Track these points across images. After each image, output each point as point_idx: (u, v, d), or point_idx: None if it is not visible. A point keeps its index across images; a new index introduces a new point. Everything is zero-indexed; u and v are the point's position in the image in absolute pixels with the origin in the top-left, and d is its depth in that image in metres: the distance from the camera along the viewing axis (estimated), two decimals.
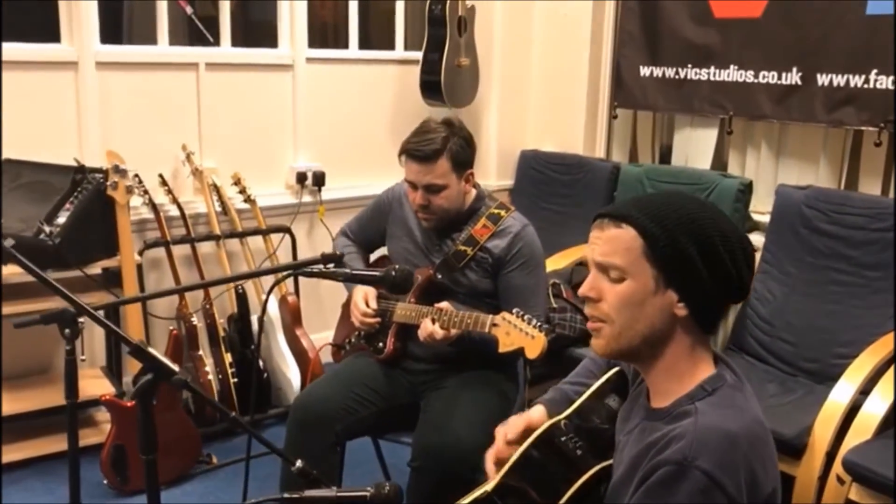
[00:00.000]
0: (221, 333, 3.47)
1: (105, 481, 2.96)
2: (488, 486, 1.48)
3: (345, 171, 4.06)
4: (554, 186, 4.09)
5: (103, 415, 3.23)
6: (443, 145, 2.26)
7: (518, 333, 2.07)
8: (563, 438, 1.45)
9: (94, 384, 3.27)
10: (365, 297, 2.45)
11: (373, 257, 2.73)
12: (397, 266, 1.75)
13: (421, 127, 2.34)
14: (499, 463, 1.56)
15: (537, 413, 1.62)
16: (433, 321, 2.25)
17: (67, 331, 1.81)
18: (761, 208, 3.58)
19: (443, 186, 2.30)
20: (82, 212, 2.88)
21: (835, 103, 3.18)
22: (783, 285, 3.19)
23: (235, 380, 3.42)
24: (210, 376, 3.36)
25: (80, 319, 1.79)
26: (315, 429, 2.29)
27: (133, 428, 2.93)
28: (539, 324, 2.07)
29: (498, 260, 2.37)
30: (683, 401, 1.29)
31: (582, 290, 1.35)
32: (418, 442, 2.26)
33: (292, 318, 3.60)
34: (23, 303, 2.91)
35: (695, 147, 3.83)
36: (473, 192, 2.44)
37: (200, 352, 3.41)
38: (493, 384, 2.35)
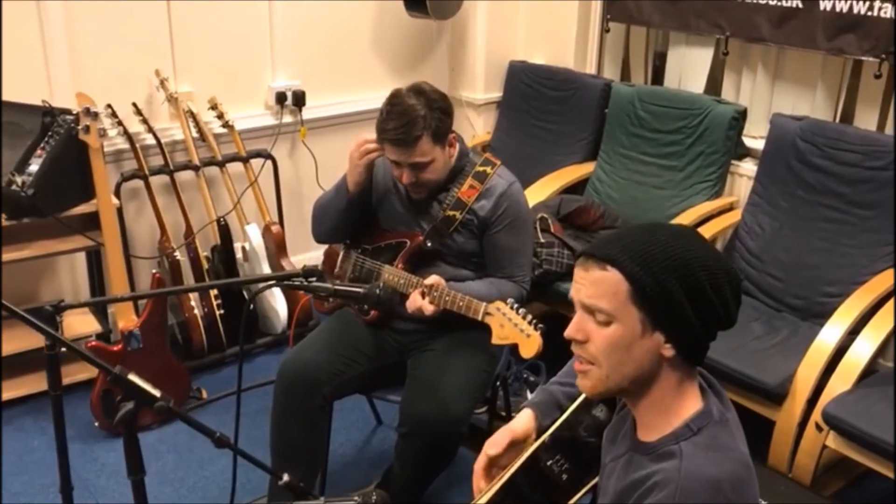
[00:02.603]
0: (205, 266, 3.44)
1: (96, 423, 2.99)
2: None
3: (326, 89, 3.91)
4: (543, 102, 3.97)
5: None
6: (422, 128, 2.17)
7: (512, 328, 2.05)
8: (549, 462, 1.46)
9: (80, 321, 3.26)
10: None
11: None
12: (381, 284, 1.70)
13: (393, 106, 2.20)
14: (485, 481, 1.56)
15: (524, 420, 1.61)
16: (423, 295, 2.22)
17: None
18: (755, 133, 3.49)
19: (429, 162, 2.22)
20: (54, 159, 2.78)
21: (836, 30, 3.04)
22: (773, 219, 3.16)
23: (221, 311, 3.41)
24: (196, 310, 3.35)
25: (59, 318, 1.76)
26: (302, 393, 2.29)
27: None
28: (534, 321, 2.05)
29: (483, 221, 2.32)
30: (669, 440, 1.29)
31: (568, 332, 1.32)
32: (406, 408, 2.28)
33: (277, 247, 3.56)
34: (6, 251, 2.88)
35: (689, 67, 3.70)
36: (457, 149, 2.35)
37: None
38: (480, 345, 2.34)
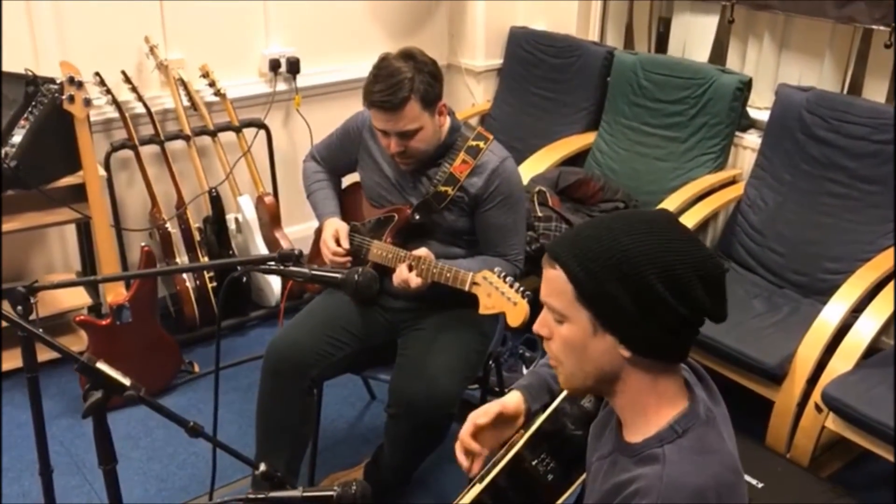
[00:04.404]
0: (197, 238, 3.38)
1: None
2: None
3: (322, 56, 3.82)
4: (544, 69, 3.87)
5: None
6: (409, 89, 2.08)
7: (499, 297, 1.99)
8: (534, 462, 1.41)
9: (71, 294, 3.21)
10: (335, 235, 2.35)
11: (345, 181, 2.60)
12: (360, 269, 1.64)
13: (380, 69, 2.12)
14: (468, 453, 1.51)
15: (513, 400, 1.57)
16: (410, 268, 2.16)
17: (20, 308, 1.73)
18: (759, 104, 3.40)
19: (417, 129, 2.14)
20: (38, 129, 2.71)
21: None
22: (777, 193, 3.08)
23: (213, 284, 3.36)
24: (188, 283, 3.30)
25: (33, 299, 1.71)
26: (290, 375, 2.24)
27: (110, 345, 2.92)
28: (521, 289, 1.99)
29: (475, 198, 2.25)
30: (653, 442, 1.23)
31: (535, 327, 1.30)
32: (395, 389, 2.23)
33: (271, 218, 3.49)
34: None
35: (693, 35, 3.59)
36: (448, 121, 2.27)
37: (177, 259, 3.33)
38: (471, 323, 2.29)
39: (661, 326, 1.19)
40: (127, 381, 1.40)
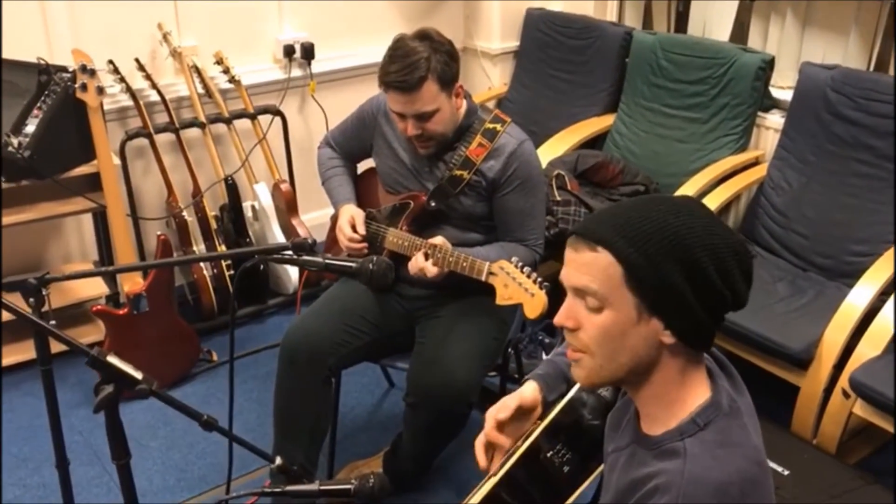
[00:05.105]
0: (214, 226, 3.36)
1: None
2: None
3: (336, 41, 3.78)
4: (561, 51, 3.81)
5: None
6: (426, 69, 2.03)
7: (517, 287, 1.95)
8: (549, 454, 1.37)
9: (89, 284, 3.20)
10: (351, 221, 2.31)
11: (360, 167, 2.57)
12: (375, 258, 1.60)
13: (396, 49, 2.07)
14: (488, 450, 1.47)
15: (530, 391, 1.53)
16: (426, 256, 2.12)
17: (32, 300, 1.71)
18: (782, 83, 3.33)
19: (434, 111, 2.09)
20: (52, 119, 2.69)
21: None
22: (801, 174, 3.01)
23: (231, 272, 3.34)
24: (205, 272, 3.28)
25: (45, 291, 1.69)
26: (306, 364, 2.21)
27: (127, 335, 2.91)
28: (539, 279, 1.95)
29: (492, 182, 2.21)
30: (673, 435, 1.18)
31: (557, 319, 1.21)
32: (413, 379, 2.20)
33: (287, 206, 3.47)
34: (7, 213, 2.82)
35: (714, 14, 3.51)
36: (464, 104, 2.23)
37: (194, 248, 3.32)
38: (489, 311, 2.24)
39: (708, 310, 1.15)
40: (139, 375, 1.37)
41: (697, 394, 1.20)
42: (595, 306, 1.16)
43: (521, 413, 1.50)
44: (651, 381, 1.20)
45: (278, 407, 2.29)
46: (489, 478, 1.40)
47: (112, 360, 1.36)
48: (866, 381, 2.35)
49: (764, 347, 2.58)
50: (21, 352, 3.05)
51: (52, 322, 1.68)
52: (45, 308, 1.70)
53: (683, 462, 1.14)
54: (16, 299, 3.00)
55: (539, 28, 3.91)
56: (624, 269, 1.13)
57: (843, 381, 2.44)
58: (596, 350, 1.18)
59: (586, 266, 1.16)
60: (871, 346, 2.45)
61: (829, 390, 2.51)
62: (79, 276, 1.80)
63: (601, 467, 1.38)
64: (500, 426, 1.47)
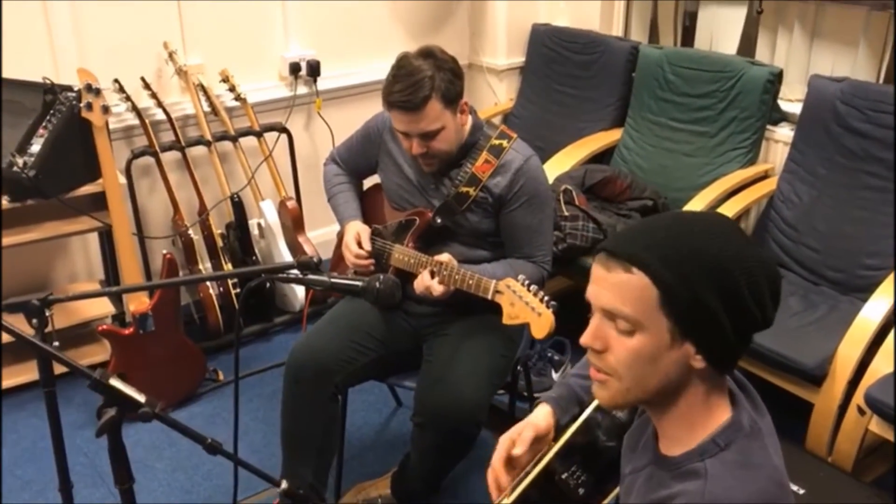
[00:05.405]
0: (220, 244, 3.34)
1: None
2: None
3: (342, 58, 3.77)
4: (567, 66, 3.80)
5: None
6: (430, 88, 2.02)
7: (523, 307, 1.92)
8: (564, 475, 1.34)
9: (94, 304, 3.19)
10: (357, 238, 2.29)
11: (366, 183, 2.55)
12: (381, 276, 1.58)
13: (400, 68, 2.06)
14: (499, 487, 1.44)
15: (543, 417, 1.49)
16: (432, 274, 2.10)
17: (35, 321, 1.70)
18: (791, 96, 3.30)
19: (439, 130, 2.08)
20: (57, 138, 2.68)
21: None
22: (811, 188, 2.98)
23: (237, 291, 3.32)
24: (211, 290, 3.26)
25: (48, 311, 1.67)
26: (312, 383, 2.19)
27: (133, 355, 2.89)
28: (546, 298, 1.92)
29: (499, 199, 2.18)
30: (694, 455, 1.16)
31: (584, 340, 1.17)
32: (420, 398, 2.17)
33: (294, 223, 3.45)
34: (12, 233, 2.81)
35: (721, 28, 3.50)
36: (469, 120, 2.21)
37: (200, 266, 3.30)
38: (497, 329, 2.20)
39: (738, 332, 1.12)
40: (142, 398, 1.35)
41: (718, 415, 1.18)
42: (626, 329, 1.12)
43: (536, 440, 1.47)
44: (677, 404, 1.17)
45: (285, 426, 2.26)
46: (501, 499, 1.37)
47: (115, 382, 1.33)
48: (882, 398, 2.31)
49: (777, 363, 2.54)
50: (25, 373, 3.03)
51: (56, 343, 1.66)
52: (49, 329, 1.68)
53: (704, 483, 1.11)
54: (19, 320, 2.99)
55: (545, 43, 3.90)
56: (660, 292, 1.09)
57: (858, 398, 2.40)
58: (624, 373, 1.14)
59: (618, 287, 1.12)
60: (886, 362, 2.41)
61: (843, 407, 2.47)
62: (82, 297, 1.78)
63: (617, 489, 1.35)
64: (512, 459, 1.45)
